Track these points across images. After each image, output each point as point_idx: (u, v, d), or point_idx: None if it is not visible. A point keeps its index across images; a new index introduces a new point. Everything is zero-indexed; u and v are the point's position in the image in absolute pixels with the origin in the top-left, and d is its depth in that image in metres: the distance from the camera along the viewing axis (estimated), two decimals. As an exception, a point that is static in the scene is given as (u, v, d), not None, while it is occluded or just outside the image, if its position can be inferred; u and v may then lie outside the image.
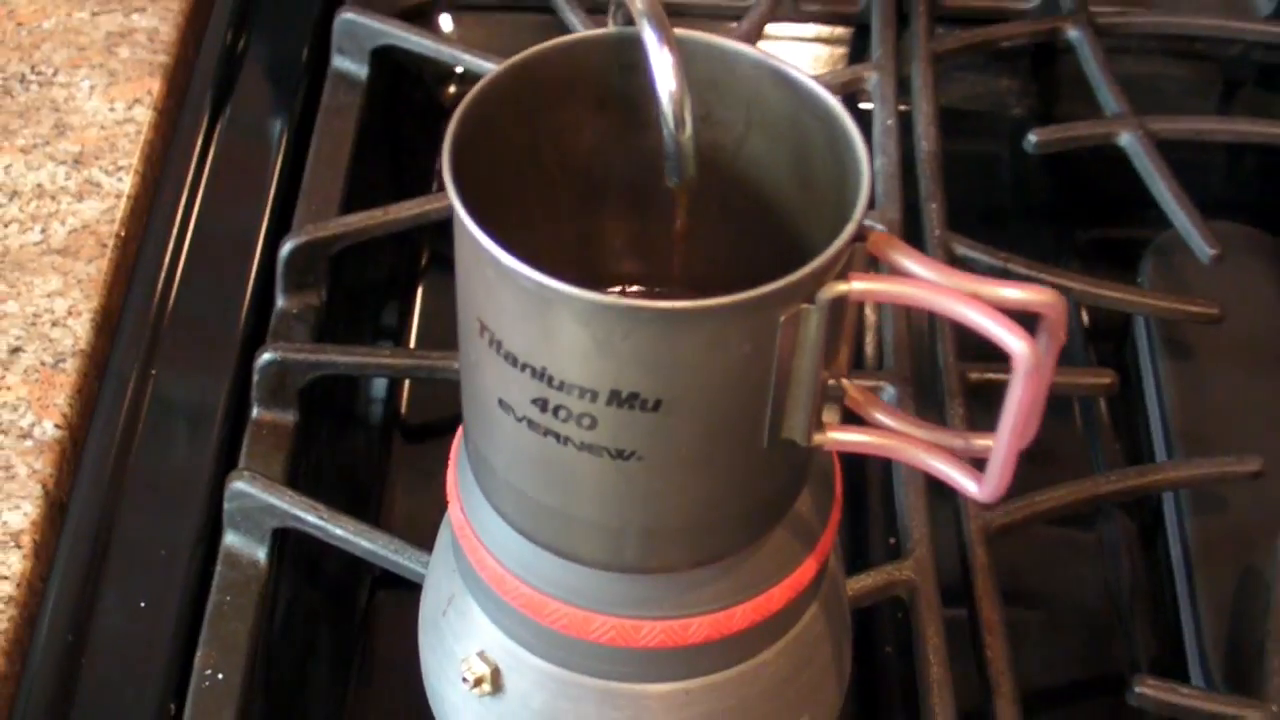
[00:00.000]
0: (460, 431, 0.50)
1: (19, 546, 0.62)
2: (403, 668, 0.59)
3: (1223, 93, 0.88)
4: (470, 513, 0.48)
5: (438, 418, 0.77)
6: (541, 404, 0.41)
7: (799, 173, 0.45)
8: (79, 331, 0.69)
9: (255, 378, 0.66)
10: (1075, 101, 0.83)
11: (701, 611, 0.47)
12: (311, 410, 0.68)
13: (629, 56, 0.44)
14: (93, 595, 0.62)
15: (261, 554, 0.63)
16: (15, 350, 0.68)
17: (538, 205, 0.45)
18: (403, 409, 0.77)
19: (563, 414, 0.41)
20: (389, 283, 0.81)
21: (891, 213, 0.73)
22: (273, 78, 0.81)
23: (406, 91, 0.86)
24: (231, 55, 0.81)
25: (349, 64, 0.81)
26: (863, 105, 0.79)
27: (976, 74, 0.88)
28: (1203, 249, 0.72)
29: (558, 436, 0.42)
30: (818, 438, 0.43)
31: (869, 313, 0.75)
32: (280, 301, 0.71)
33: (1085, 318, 0.79)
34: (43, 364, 0.67)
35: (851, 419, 0.46)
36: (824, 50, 0.90)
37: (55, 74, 0.78)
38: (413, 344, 0.78)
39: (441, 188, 0.73)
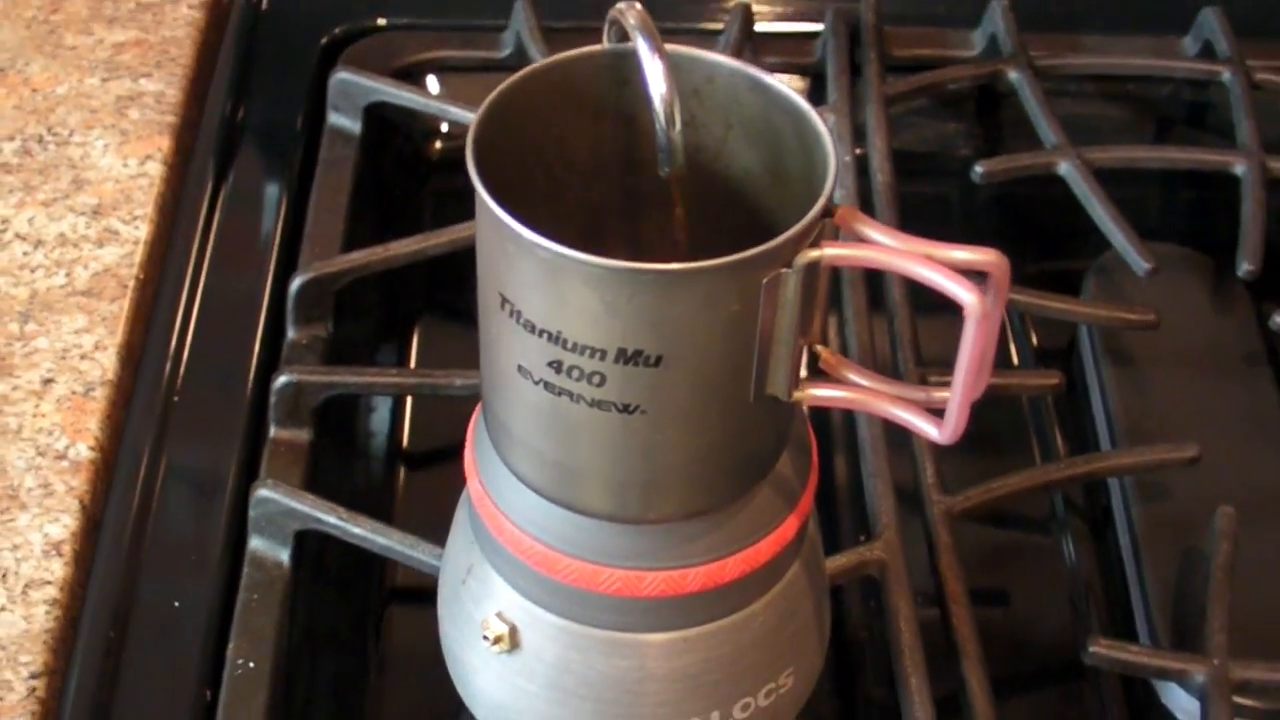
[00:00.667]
0: (475, 415, 0.56)
1: (60, 555, 0.67)
2: (417, 655, 0.66)
3: (1155, 131, 0.95)
4: (488, 483, 0.54)
5: (434, 447, 0.82)
6: (556, 366, 0.47)
7: (773, 168, 0.51)
8: (105, 364, 0.74)
9: (273, 399, 0.72)
10: (1017, 141, 0.89)
11: (697, 562, 0.52)
12: (323, 431, 0.74)
13: (622, 72, 0.51)
14: (129, 598, 0.67)
15: (285, 556, 0.68)
16: (48, 381, 0.73)
17: (543, 204, 0.50)
18: (404, 441, 0.83)
19: (575, 374, 0.47)
20: (389, 316, 0.87)
21: (851, 240, 0.79)
22: (272, 134, 0.87)
23: (396, 146, 0.92)
24: (234, 115, 0.87)
25: (344, 120, 0.87)
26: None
27: (926, 119, 0.94)
28: (1139, 264, 0.78)
29: (571, 395, 0.47)
30: (797, 394, 0.49)
31: (832, 335, 0.81)
32: (291, 333, 0.76)
33: (1034, 338, 0.86)
34: (74, 393, 0.73)
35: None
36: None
37: (71, 134, 0.84)
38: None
39: (434, 226, 0.79)
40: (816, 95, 0.91)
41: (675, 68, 0.49)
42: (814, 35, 0.92)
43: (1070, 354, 0.83)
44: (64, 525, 0.68)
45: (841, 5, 0.93)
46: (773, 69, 0.94)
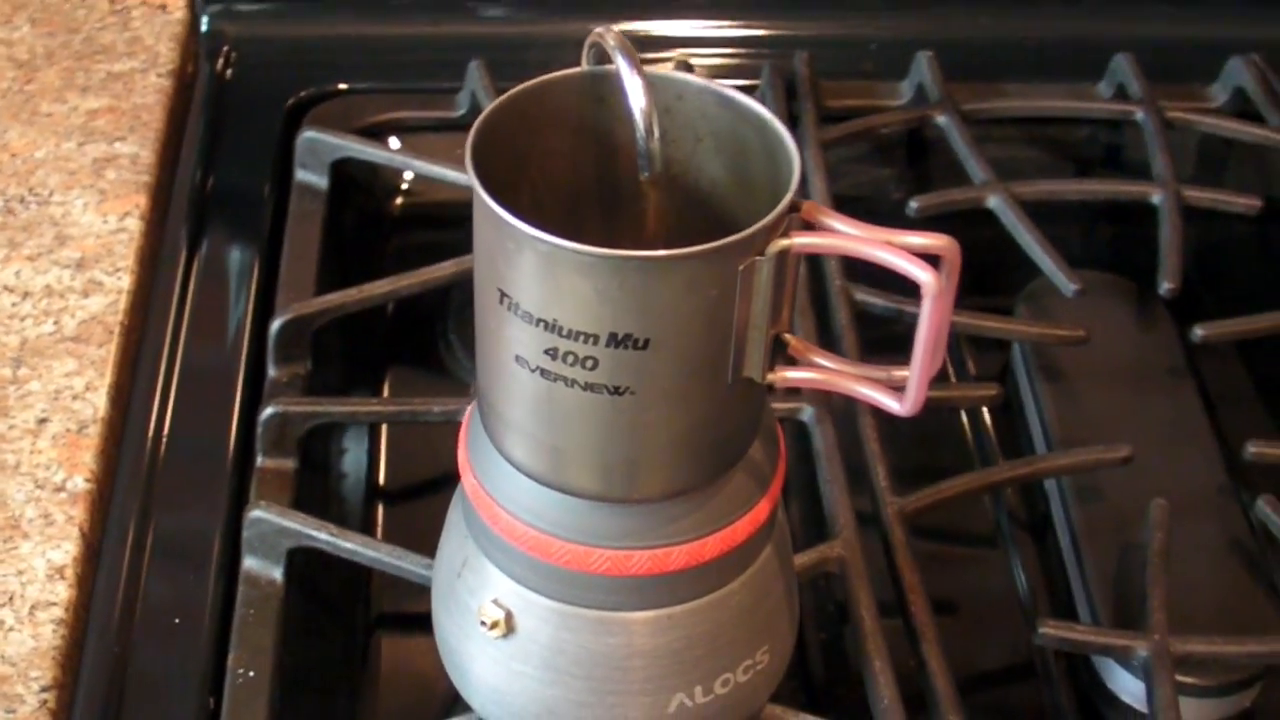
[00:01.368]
0: (466, 420, 0.60)
1: (64, 579, 0.71)
2: (404, 660, 0.70)
3: (1075, 170, 1.01)
4: (482, 477, 0.58)
5: (408, 483, 0.87)
6: (552, 353, 0.52)
7: (740, 176, 0.56)
8: (97, 403, 0.78)
9: (259, 429, 0.76)
10: (946, 182, 0.94)
11: (680, 541, 0.57)
12: (305, 465, 0.78)
13: (599, 92, 0.56)
14: (130, 616, 0.71)
15: (278, 573, 0.72)
16: (43, 420, 0.77)
17: (529, 210, 0.55)
18: (381, 478, 0.87)
19: (570, 359, 0.51)
20: (360, 365, 0.91)
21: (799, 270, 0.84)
22: (242, 192, 0.92)
23: (359, 203, 0.97)
24: (205, 175, 0.92)
25: (311, 176, 0.91)
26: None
27: (861, 165, 0.99)
28: (1067, 286, 0.84)
29: (566, 380, 0.52)
30: (771, 376, 0.54)
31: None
32: (272, 372, 0.81)
33: (971, 365, 0.91)
34: (68, 430, 0.77)
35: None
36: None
37: (51, 194, 0.89)
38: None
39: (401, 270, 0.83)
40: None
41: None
42: (752, 89, 0.98)
43: (1005, 377, 0.88)
44: (65, 551, 0.72)
45: (776, 61, 0.98)
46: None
